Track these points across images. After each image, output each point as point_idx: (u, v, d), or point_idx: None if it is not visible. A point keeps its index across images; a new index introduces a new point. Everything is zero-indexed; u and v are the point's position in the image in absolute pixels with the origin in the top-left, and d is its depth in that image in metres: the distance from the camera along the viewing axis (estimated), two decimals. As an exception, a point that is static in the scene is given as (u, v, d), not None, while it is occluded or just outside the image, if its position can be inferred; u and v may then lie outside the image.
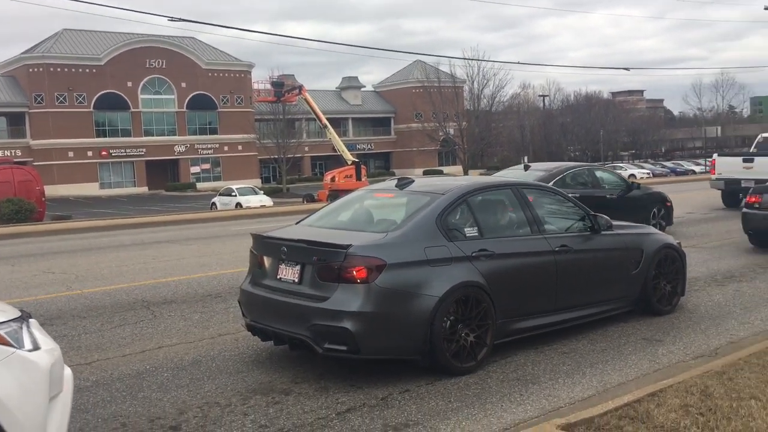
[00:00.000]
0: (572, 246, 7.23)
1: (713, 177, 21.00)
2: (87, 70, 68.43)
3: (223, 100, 75.65)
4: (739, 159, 20.64)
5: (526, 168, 15.21)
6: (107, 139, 70.21)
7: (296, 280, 6.13)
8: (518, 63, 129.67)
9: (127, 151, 71.16)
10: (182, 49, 73.32)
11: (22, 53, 68.55)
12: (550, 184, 13.95)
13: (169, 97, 73.44)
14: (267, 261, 6.54)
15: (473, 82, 66.22)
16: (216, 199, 41.13)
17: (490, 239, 6.64)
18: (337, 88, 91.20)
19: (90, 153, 69.17)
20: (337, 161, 57.40)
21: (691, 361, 6.36)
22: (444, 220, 6.43)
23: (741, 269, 10.92)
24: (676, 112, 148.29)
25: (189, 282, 10.67)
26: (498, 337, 6.49)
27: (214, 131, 76.03)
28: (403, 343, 5.90)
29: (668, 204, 16.10)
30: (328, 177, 42.34)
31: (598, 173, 15.56)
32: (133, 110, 71.14)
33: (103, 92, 69.22)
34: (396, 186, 7.32)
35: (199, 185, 71.27)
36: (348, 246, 5.82)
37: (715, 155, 22.46)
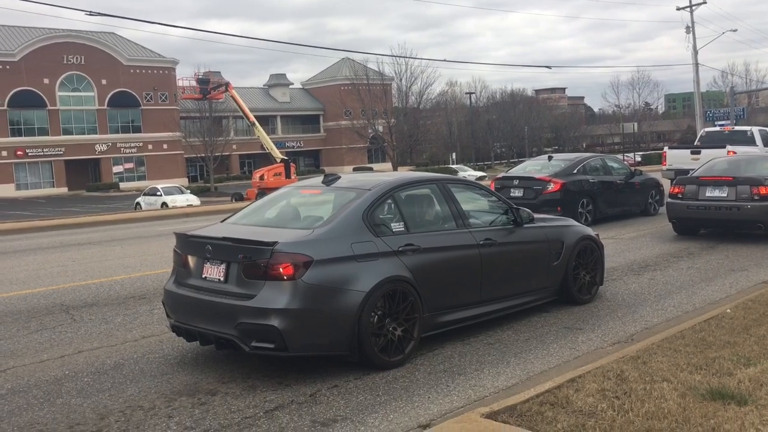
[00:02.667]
0: (496, 239, 7.39)
1: (664, 168, 22.18)
2: (0, 67, 65.56)
3: (146, 98, 73.80)
4: (688, 151, 21.87)
5: (550, 158, 17.28)
6: (23, 138, 67.58)
7: (222, 279, 6.07)
8: (444, 60, 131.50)
9: (45, 150, 68.65)
10: (102, 45, 71.13)
11: (-71, 49, 65.18)
12: (574, 171, 15.31)
13: (88, 94, 71.18)
14: (191, 260, 6.44)
15: (401, 79, 66.70)
16: (140, 199, 40.13)
17: (416, 234, 6.72)
18: (264, 85, 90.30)
19: (5, 153, 66.43)
20: (266, 159, 56.79)
21: (608, 347, 6.60)
22: (370, 216, 6.47)
23: (656, 259, 11.37)
24: (596, 109, 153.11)
25: (111, 284, 10.39)
26: (425, 329, 6.59)
27: (137, 129, 74.10)
28: (332, 339, 5.91)
29: (661, 188, 18.12)
30: (256, 175, 41.84)
31: (609, 162, 17.53)
32: (50, 108, 68.68)
33: (17, 89, 66.58)
34: (322, 182, 7.35)
35: (123, 185, 69.34)
36: (274, 243, 5.79)
37: (666, 148, 23.98)
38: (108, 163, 72.37)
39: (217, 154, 58.48)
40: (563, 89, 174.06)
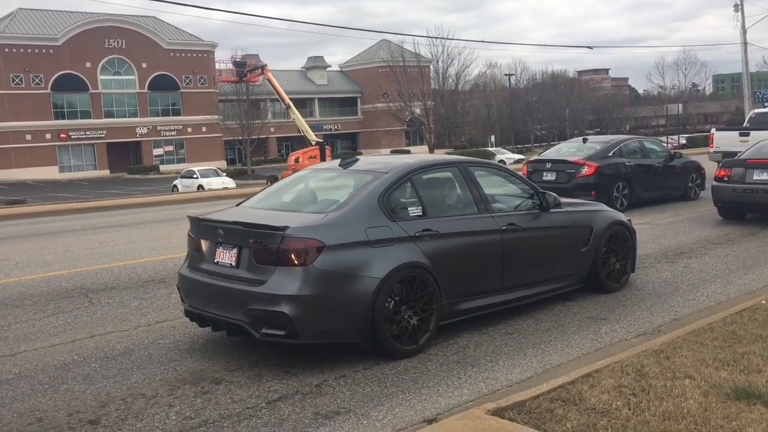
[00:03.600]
0: (520, 224, 7.13)
1: (711, 150, 21.57)
2: (43, 51, 66.72)
3: (185, 81, 74.37)
4: (736, 133, 21.27)
5: (585, 141, 16.57)
6: (66, 122, 68.70)
7: (233, 264, 5.94)
8: (482, 41, 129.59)
9: (87, 133, 69.73)
10: (142, 29, 71.80)
11: (-24, 34, 66.50)
12: (610, 154, 15.04)
13: (129, 78, 72.00)
14: (204, 244, 6.34)
15: (438, 61, 66.00)
16: (177, 182, 40.52)
17: (434, 218, 6.50)
18: (302, 68, 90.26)
19: (48, 136, 67.66)
20: (304, 142, 56.85)
21: (633, 339, 6.30)
22: (387, 200, 6.26)
23: (692, 245, 10.93)
24: (640, 90, 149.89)
25: (134, 267, 10.37)
26: (443, 318, 6.38)
27: (177, 112, 74.77)
28: (344, 327, 5.74)
29: (702, 171, 17.41)
30: (292, 158, 41.84)
31: (646, 144, 16.94)
32: (92, 91, 69.65)
33: (60, 73, 67.61)
34: (339, 165, 7.17)
35: (163, 168, 70.14)
36: (285, 228, 5.63)
37: (713, 130, 23.37)
38: (148, 145, 73.28)
39: (254, 137, 58.73)
40: (606, 70, 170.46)
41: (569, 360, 5.81)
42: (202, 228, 6.41)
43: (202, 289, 6.15)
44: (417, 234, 6.21)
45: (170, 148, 74.70)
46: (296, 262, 5.55)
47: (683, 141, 70.70)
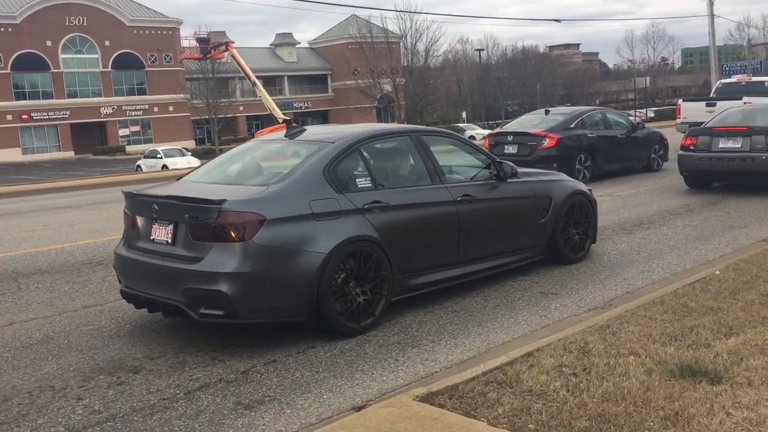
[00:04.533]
0: (476, 195, 6.86)
1: (678, 121, 21.45)
2: (1, 29, 64.71)
3: (150, 59, 72.69)
4: (703, 104, 21.16)
5: (547, 112, 16.42)
6: (28, 102, 66.91)
7: (169, 241, 5.60)
8: (451, 15, 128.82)
9: (50, 114, 68.00)
10: (104, 5, 69.87)
11: (-70, 12, 64.35)
12: (572, 126, 14.52)
13: (92, 57, 70.18)
14: (140, 221, 6.00)
15: (407, 36, 65.27)
16: (141, 162, 39.66)
17: (384, 190, 6.19)
18: (270, 45, 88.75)
19: (9, 117, 65.84)
20: (272, 120, 56.06)
21: (582, 314, 6.02)
22: (333, 171, 5.93)
23: (651, 216, 10.71)
24: (611, 65, 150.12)
25: (72, 250, 9.89)
26: (395, 293, 6.09)
27: (142, 92, 73.14)
28: (287, 305, 5.44)
29: (665, 142, 17.24)
30: (258, 136, 41.18)
31: (609, 115, 16.69)
32: (54, 71, 67.81)
33: (20, 52, 65.67)
34: (285, 135, 6.81)
35: (129, 148, 68.69)
36: (222, 201, 5.28)
37: (680, 101, 23.23)
38: (114, 126, 71.75)
39: (221, 116, 57.69)
40: (577, 45, 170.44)
41: (515, 338, 5.51)
42: (137, 204, 6.06)
43: (138, 268, 5.82)
44: (366, 206, 5.90)
45: (136, 128, 73.23)
46: (234, 237, 5.24)
47: (651, 114, 70.96)
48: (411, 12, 61.28)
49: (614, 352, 4.57)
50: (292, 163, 6.15)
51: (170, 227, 5.61)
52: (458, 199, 6.66)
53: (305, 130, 6.89)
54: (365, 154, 6.37)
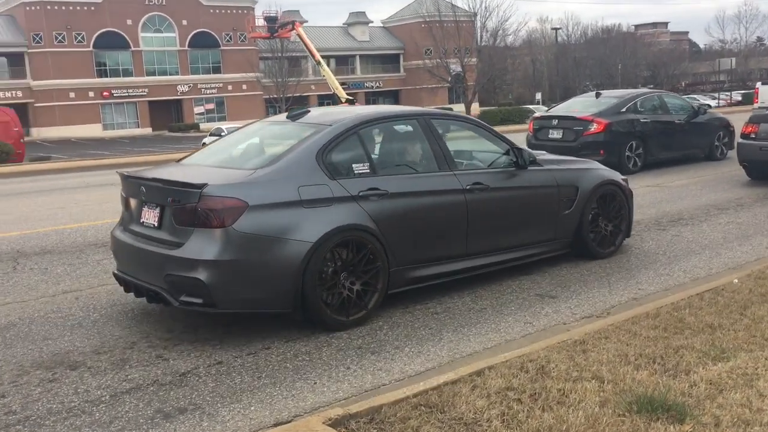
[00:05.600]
0: (488, 184, 6.39)
1: (756, 105, 20.05)
2: (85, 8, 66.81)
3: (225, 38, 73.81)
4: None
5: (598, 95, 15.36)
6: (109, 80, 69.06)
7: (156, 224, 5.46)
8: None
9: (129, 91, 70.04)
10: (182, -15, 71.25)
11: (19, -8, 67.02)
12: (623, 110, 13.84)
13: (170, 35, 71.76)
14: (133, 203, 5.89)
15: (476, 15, 63.80)
16: (206, 140, 40.21)
17: (384, 177, 5.83)
18: (343, 24, 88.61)
19: (91, 94, 68.18)
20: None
21: (573, 323, 5.43)
22: (327, 155, 5.61)
23: (694, 211, 9.84)
24: (702, 45, 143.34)
25: (87, 229, 9.84)
26: (394, 286, 5.76)
27: (217, 70, 74.45)
28: (270, 296, 5.19)
29: (731, 129, 16.04)
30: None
31: (667, 99, 15.55)
32: (133, 49, 69.70)
33: (102, 31, 67.72)
34: (287, 117, 6.50)
35: (204, 126, 70.01)
36: (203, 185, 5.06)
37: (758, 84, 21.73)
38: (189, 103, 73.31)
39: (289, 95, 57.96)
40: (665, 24, 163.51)
41: (486, 348, 4.99)
42: (129, 186, 5.93)
43: (128, 251, 5.71)
44: (361, 193, 5.56)
45: (211, 106, 74.61)
46: (214, 223, 5.03)
47: (738, 97, 67.28)
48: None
49: (576, 374, 4.01)
50: (284, 147, 5.83)
51: (157, 210, 5.46)
52: (467, 187, 6.22)
53: (309, 111, 6.54)
54: (365, 138, 5.98)
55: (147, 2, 69.58)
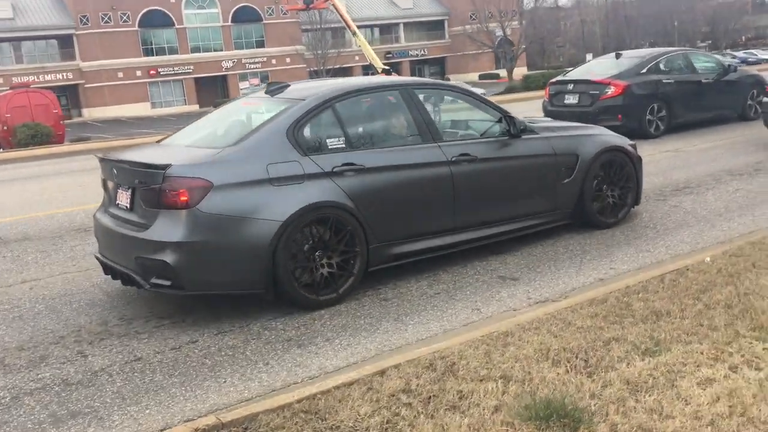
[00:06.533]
0: (477, 155, 6.13)
1: None
2: (129, -12, 67.54)
3: (268, 12, 73.68)
4: None
5: (618, 56, 14.59)
6: (154, 58, 69.81)
7: (128, 206, 5.44)
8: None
9: (175, 69, 70.69)
10: (223, -40, 71.26)
11: (65, -26, 68.10)
12: (643, 71, 13.22)
13: (212, 11, 71.98)
14: (110, 185, 5.85)
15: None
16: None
17: (361, 151, 5.64)
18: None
19: (139, 73, 69.10)
20: (392, 69, 55.52)
21: (524, 309, 5.04)
22: (299, 131, 5.47)
23: (704, 178, 9.20)
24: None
25: (77, 214, 9.79)
26: (376, 263, 5.61)
27: (261, 44, 74.46)
28: (240, 277, 5.11)
29: (766, 86, 14.62)
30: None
31: (694, 57, 14.58)
32: (177, 27, 70.18)
33: (146, 9, 68.31)
34: (266, 92, 6.31)
35: (249, 100, 70.42)
36: (167, 166, 5.01)
37: None
38: (234, 79, 73.65)
39: (329, 67, 57.57)
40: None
41: (419, 339, 4.66)
42: (105, 167, 5.93)
43: (105, 233, 5.72)
44: (335, 169, 5.39)
45: (256, 81, 74.73)
46: (179, 204, 4.96)
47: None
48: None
49: (484, 373, 3.65)
50: (258, 123, 5.67)
51: (129, 192, 5.42)
52: (453, 159, 5.97)
53: (288, 86, 6.34)
54: (341, 112, 5.77)
55: (189, -21, 69.92)
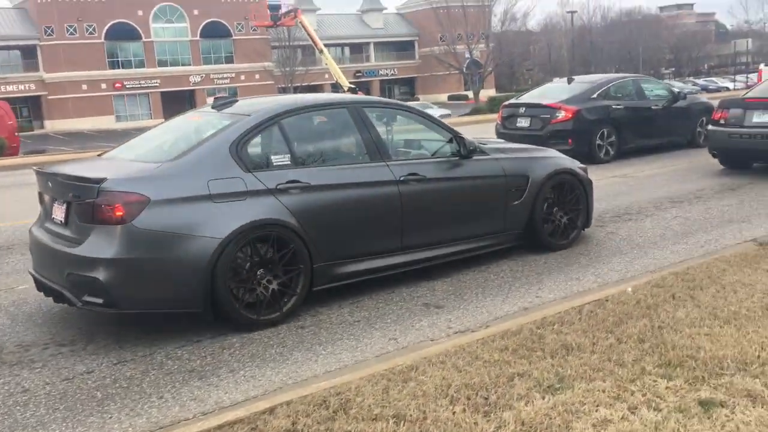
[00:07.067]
0: (426, 174, 6.08)
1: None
2: (96, 0, 66.84)
3: (237, 28, 73.45)
4: None
5: (570, 81, 14.62)
6: (120, 71, 69.09)
7: (62, 221, 5.28)
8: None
9: (142, 82, 70.02)
10: (193, -26, 70.98)
11: (31, -16, 67.20)
12: (593, 96, 13.14)
13: (181, 26, 71.55)
14: (47, 199, 5.67)
15: None
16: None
17: (306, 169, 5.56)
18: (358, 11, 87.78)
19: (104, 85, 68.28)
20: (358, 87, 55.56)
21: (441, 339, 4.86)
22: (242, 147, 5.37)
23: (645, 205, 9.16)
24: (729, 26, 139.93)
25: (10, 229, 9.44)
26: (321, 282, 5.52)
27: (230, 60, 74.17)
28: (177, 295, 4.98)
29: (712, 115, 14.80)
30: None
31: (645, 84, 14.65)
32: (145, 40, 69.61)
33: (113, 22, 67.65)
34: (213, 107, 6.20)
35: (216, 116, 69.86)
36: (102, 180, 4.87)
37: (762, 65, 20.78)
38: (202, 94, 73.02)
39: (297, 84, 57.51)
40: (691, 5, 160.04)
41: (327, 371, 4.44)
42: (41, 180, 5.71)
43: (39, 248, 5.53)
44: (279, 186, 5.31)
45: (223, 96, 74.34)
46: (114, 219, 4.83)
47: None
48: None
49: (377, 412, 3.45)
50: (201, 138, 5.54)
51: (64, 207, 5.27)
52: (401, 178, 5.92)
53: (236, 101, 6.26)
54: (287, 128, 5.72)
55: (158, -8, 69.44)
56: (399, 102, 7.17)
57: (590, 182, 7.38)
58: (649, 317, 4.49)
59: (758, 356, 3.75)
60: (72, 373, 4.58)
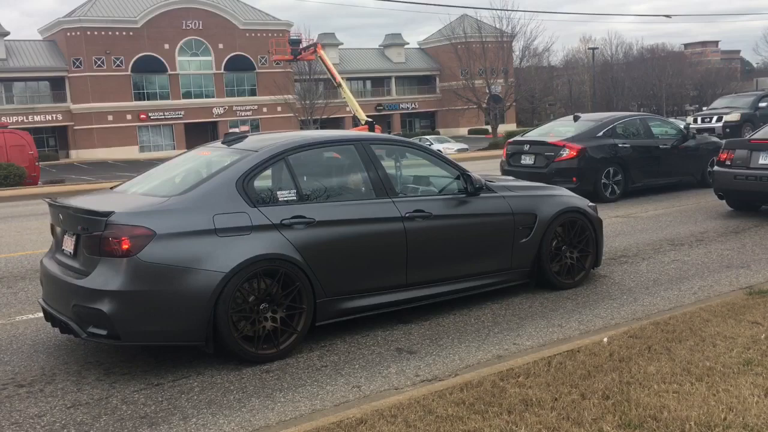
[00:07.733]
0: (432, 211, 6.07)
1: None
2: (124, 33, 68.25)
3: (261, 61, 74.50)
4: None
5: (576, 118, 14.43)
6: (146, 102, 70.18)
7: (72, 253, 5.37)
8: (546, 12, 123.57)
9: (166, 114, 71.03)
10: (219, 9, 72.26)
11: (60, 18, 68.78)
12: (599, 134, 13.00)
13: (206, 59, 72.73)
14: (57, 230, 5.79)
15: (502, 35, 63.05)
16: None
17: (311, 204, 5.57)
18: (380, 45, 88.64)
19: (129, 116, 69.35)
20: (378, 121, 55.84)
21: (407, 388, 4.69)
22: (248, 182, 5.44)
23: (643, 247, 8.93)
24: (755, 63, 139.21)
25: (20, 259, 9.43)
26: (324, 317, 5.53)
27: (253, 92, 75.16)
28: (179, 328, 5.01)
29: (718, 156, 14.55)
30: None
31: (652, 123, 14.40)
32: (170, 73, 70.78)
33: (140, 55, 68.96)
34: (223, 142, 6.28)
35: (238, 147, 70.47)
36: (109, 213, 4.95)
37: None
38: (225, 126, 73.73)
39: (316, 117, 57.95)
40: (716, 42, 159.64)
41: (281, 421, 4.28)
42: (53, 212, 5.77)
43: (48, 279, 5.60)
44: (284, 222, 5.35)
45: (246, 128, 75.07)
46: (120, 252, 4.89)
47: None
48: (523, 11, 58.86)
49: (313, 469, 3.28)
50: (210, 173, 5.61)
51: (74, 238, 5.35)
52: (406, 215, 5.93)
53: (246, 137, 6.34)
54: (293, 164, 5.74)
55: (184, 26, 70.68)
56: (405, 139, 7.18)
57: (600, 222, 7.32)
58: (620, 371, 4.29)
59: (724, 418, 3.53)
60: (22, 417, 4.46)
